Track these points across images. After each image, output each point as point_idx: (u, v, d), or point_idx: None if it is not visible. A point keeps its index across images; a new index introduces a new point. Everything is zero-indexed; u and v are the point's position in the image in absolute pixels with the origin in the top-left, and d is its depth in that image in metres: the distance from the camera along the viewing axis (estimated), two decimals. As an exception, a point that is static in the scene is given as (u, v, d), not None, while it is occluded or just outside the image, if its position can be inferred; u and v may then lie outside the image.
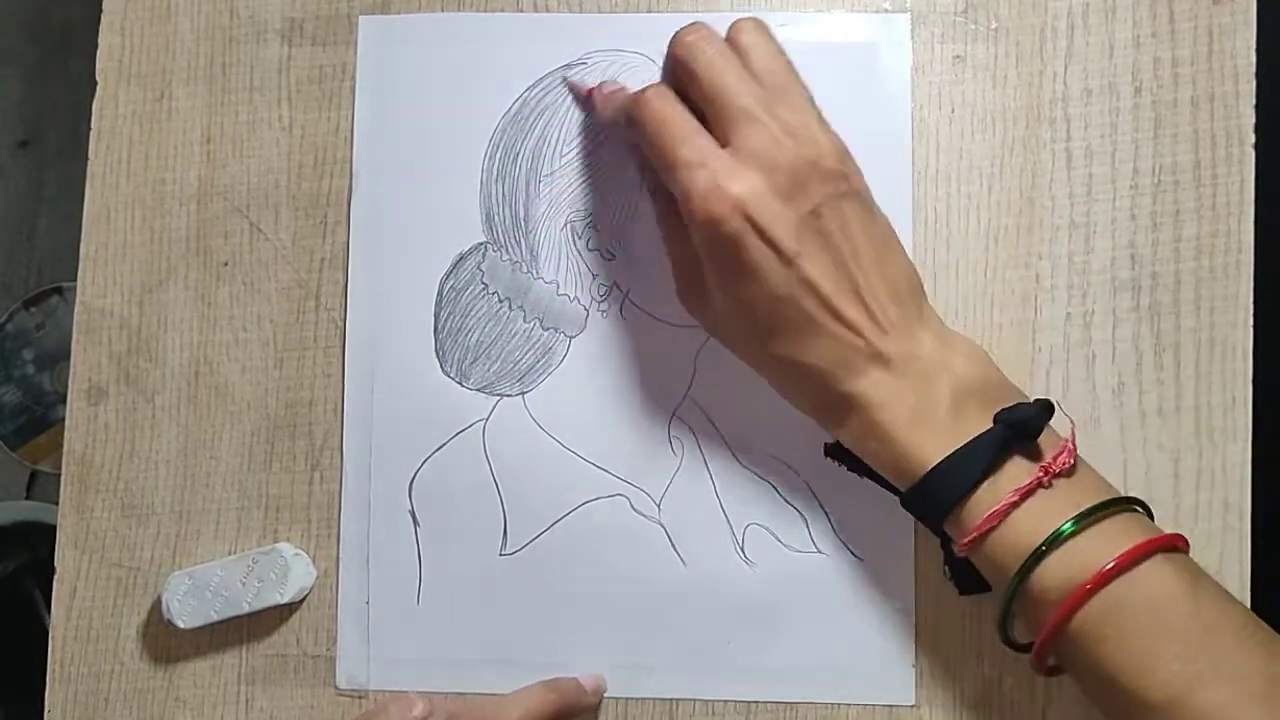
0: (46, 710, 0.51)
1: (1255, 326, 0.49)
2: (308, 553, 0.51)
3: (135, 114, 0.53)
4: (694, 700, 0.49)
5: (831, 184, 0.43)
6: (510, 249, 0.51)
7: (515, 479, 0.50)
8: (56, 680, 0.51)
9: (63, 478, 0.52)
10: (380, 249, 0.51)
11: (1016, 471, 0.42)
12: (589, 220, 0.51)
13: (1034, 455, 0.42)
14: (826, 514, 0.49)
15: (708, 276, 0.45)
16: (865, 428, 0.43)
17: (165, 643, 0.51)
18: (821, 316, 0.43)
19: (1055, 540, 0.40)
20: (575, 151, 0.51)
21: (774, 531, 0.49)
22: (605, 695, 0.49)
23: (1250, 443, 0.48)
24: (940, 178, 0.50)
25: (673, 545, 0.49)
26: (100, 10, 0.53)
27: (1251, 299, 0.49)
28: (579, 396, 0.50)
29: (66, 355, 0.52)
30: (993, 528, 0.41)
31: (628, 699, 0.49)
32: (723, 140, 0.43)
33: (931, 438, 0.42)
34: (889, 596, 0.49)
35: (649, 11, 0.51)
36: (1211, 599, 0.40)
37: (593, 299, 0.50)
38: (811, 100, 0.45)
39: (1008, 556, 0.41)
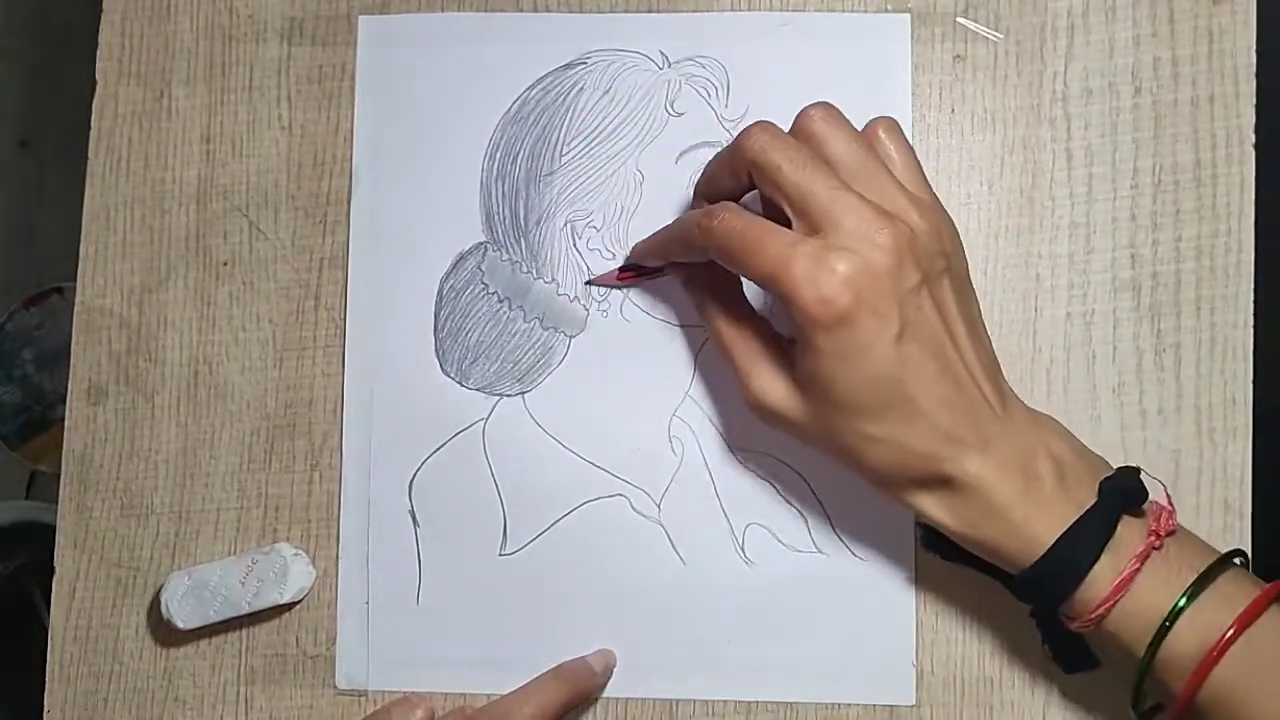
0: (46, 710, 0.51)
1: (1255, 326, 0.49)
2: (307, 553, 0.51)
3: (135, 114, 0.53)
4: (694, 700, 0.49)
5: (928, 261, 0.42)
6: (510, 249, 0.51)
7: (515, 479, 0.50)
8: (56, 680, 0.51)
9: (62, 477, 0.52)
10: (380, 249, 0.51)
11: (1130, 538, 0.41)
12: (589, 220, 0.51)
13: (1138, 519, 0.42)
14: (826, 514, 0.49)
15: (809, 365, 0.42)
16: (975, 509, 0.42)
17: (165, 643, 0.51)
18: (926, 396, 0.42)
19: (1180, 607, 0.40)
20: (575, 151, 0.51)
21: (774, 531, 0.49)
22: (605, 695, 0.49)
23: (1250, 443, 0.48)
24: (940, 178, 0.50)
25: (673, 545, 0.49)
26: (100, 10, 0.53)
27: (1251, 299, 0.49)
28: (579, 396, 0.50)
29: (66, 355, 0.52)
30: (1117, 600, 0.41)
31: (628, 699, 0.49)
32: (812, 232, 0.42)
33: (1044, 515, 0.41)
34: (889, 596, 0.49)
35: (649, 11, 0.51)
36: None
37: (593, 299, 0.50)
38: (909, 167, 0.44)
39: (1136, 627, 0.41)
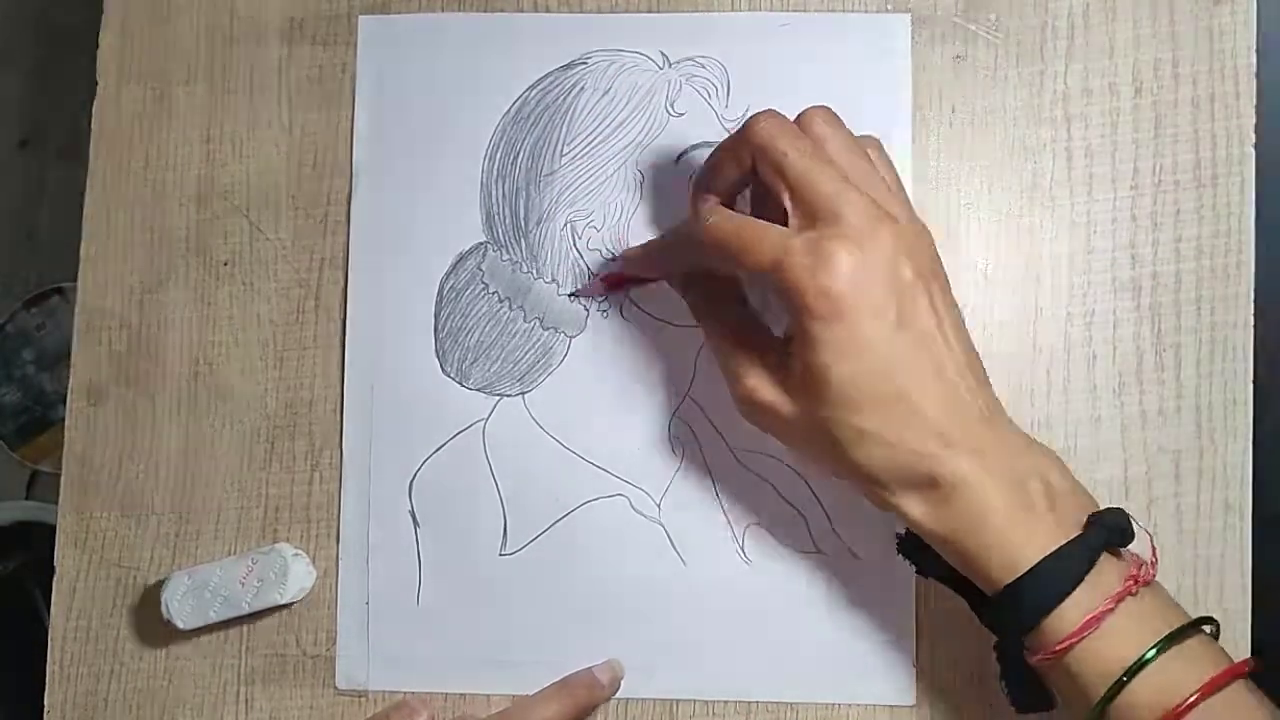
0: (46, 710, 0.51)
1: (1255, 326, 0.49)
2: (307, 553, 0.51)
3: (135, 114, 0.53)
4: (694, 700, 0.49)
5: (923, 262, 0.42)
6: (510, 249, 0.51)
7: (515, 479, 0.50)
8: (56, 680, 0.51)
9: (62, 478, 0.52)
10: (380, 249, 0.51)
11: (1109, 578, 0.40)
12: (589, 220, 0.51)
13: (1118, 562, 0.41)
14: (826, 514, 0.49)
15: (806, 358, 0.42)
16: (963, 515, 0.41)
17: (165, 643, 0.51)
18: (921, 393, 0.41)
19: (1143, 661, 0.39)
20: (575, 151, 0.51)
21: (774, 531, 0.49)
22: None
23: (1250, 443, 0.48)
24: (940, 178, 0.50)
25: (673, 545, 0.49)
26: (100, 10, 0.53)
27: (1251, 299, 0.49)
28: (579, 396, 0.50)
29: (67, 355, 0.52)
30: (1085, 636, 0.40)
31: (628, 699, 0.49)
32: (808, 224, 0.42)
33: (1031, 534, 0.40)
34: (889, 596, 0.49)
35: (649, 12, 0.51)
36: None
37: (593, 299, 0.50)
38: (891, 178, 0.44)
39: (1097, 669, 0.40)
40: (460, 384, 0.51)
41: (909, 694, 0.48)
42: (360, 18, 0.52)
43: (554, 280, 0.50)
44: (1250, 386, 0.49)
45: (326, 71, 0.52)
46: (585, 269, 0.50)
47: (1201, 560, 0.48)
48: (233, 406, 0.51)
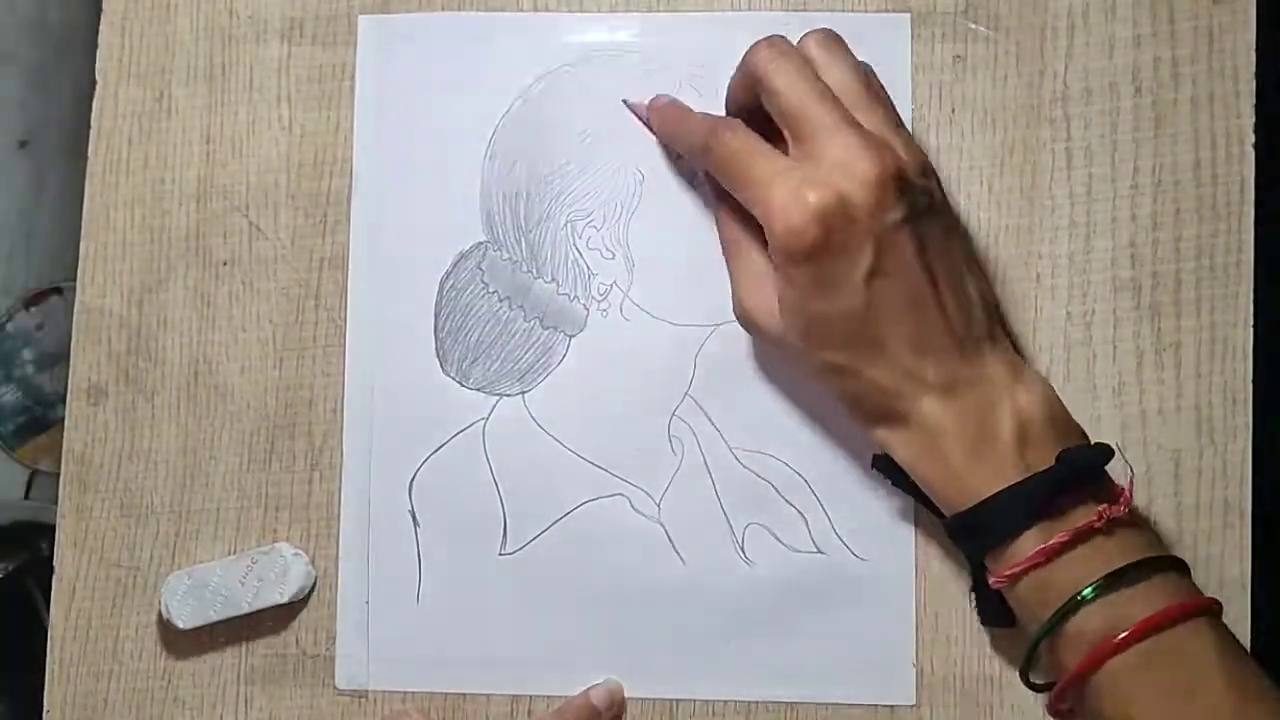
0: (46, 710, 0.51)
1: (1255, 326, 0.49)
2: (307, 552, 0.51)
3: (135, 113, 0.53)
4: (694, 700, 0.49)
5: (914, 196, 0.42)
6: (510, 248, 0.51)
7: (515, 479, 0.50)
8: (56, 680, 0.51)
9: (62, 477, 0.52)
10: (380, 248, 0.51)
11: (1073, 512, 0.41)
12: (589, 219, 0.51)
13: (1091, 498, 0.41)
14: (826, 514, 0.49)
15: (781, 290, 0.43)
16: (923, 449, 0.43)
17: (165, 643, 0.51)
18: (893, 335, 0.42)
19: (1097, 589, 0.40)
20: (576, 151, 0.51)
21: (774, 531, 0.49)
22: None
23: (1250, 443, 0.48)
24: (940, 178, 0.50)
25: (672, 545, 0.49)
26: (100, 10, 0.53)
27: (1251, 299, 0.49)
28: (579, 396, 0.50)
29: (66, 355, 0.52)
30: (1038, 565, 0.40)
31: (628, 699, 0.49)
32: (802, 155, 0.42)
33: (990, 468, 0.41)
34: (889, 596, 0.49)
35: (649, 11, 0.51)
36: (1244, 667, 0.40)
37: (593, 298, 0.50)
38: (892, 109, 0.45)
39: (1047, 596, 0.41)
40: (460, 383, 0.51)
41: (909, 694, 0.48)
42: (360, 18, 0.52)
43: (554, 280, 0.50)
44: (1250, 386, 0.49)
45: (326, 71, 0.52)
46: (585, 268, 0.50)
47: (1201, 560, 0.48)
48: (232, 406, 0.51)
